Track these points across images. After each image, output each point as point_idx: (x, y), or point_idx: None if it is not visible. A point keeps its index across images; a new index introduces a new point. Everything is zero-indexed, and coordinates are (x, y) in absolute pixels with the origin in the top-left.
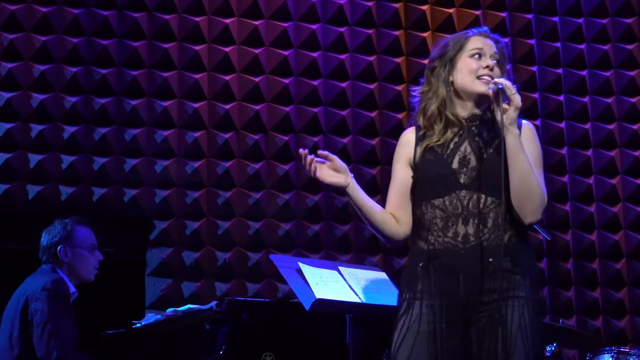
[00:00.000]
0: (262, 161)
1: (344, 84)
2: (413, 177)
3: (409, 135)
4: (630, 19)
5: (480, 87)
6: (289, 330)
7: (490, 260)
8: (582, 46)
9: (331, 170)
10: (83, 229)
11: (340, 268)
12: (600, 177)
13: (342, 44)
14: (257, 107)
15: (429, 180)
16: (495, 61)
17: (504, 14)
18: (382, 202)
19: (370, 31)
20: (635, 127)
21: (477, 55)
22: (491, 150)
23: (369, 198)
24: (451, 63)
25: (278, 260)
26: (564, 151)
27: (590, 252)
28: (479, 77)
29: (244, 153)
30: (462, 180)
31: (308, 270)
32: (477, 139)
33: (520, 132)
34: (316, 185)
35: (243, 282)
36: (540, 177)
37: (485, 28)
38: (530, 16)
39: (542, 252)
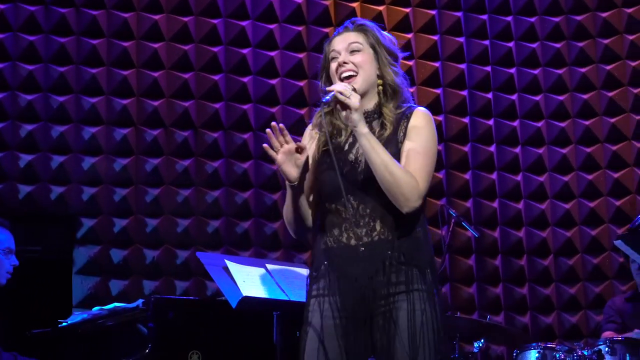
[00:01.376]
0: (191, 158)
1: (273, 81)
2: (311, 177)
3: (312, 132)
4: (558, 18)
5: None
6: (216, 328)
7: (386, 255)
8: (511, 44)
9: (291, 160)
10: (0, 231)
11: (268, 265)
12: (528, 174)
13: (272, 41)
14: (186, 104)
15: (323, 185)
16: (351, 52)
17: (433, 12)
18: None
19: (300, 28)
20: (563, 124)
21: (335, 58)
22: None
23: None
24: (326, 73)
25: (205, 257)
26: (492, 148)
27: (518, 249)
28: (341, 78)
29: (173, 150)
30: (352, 184)
31: (235, 268)
32: None
33: (408, 120)
34: (246, 182)
35: (171, 280)
36: (421, 164)
37: (345, 23)
38: (459, 14)
39: (470, 249)
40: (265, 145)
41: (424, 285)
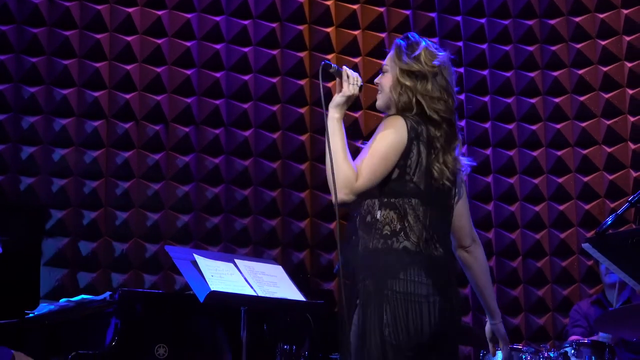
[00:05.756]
0: (162, 152)
1: (246, 77)
2: None
3: None
4: (531, 21)
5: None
6: (183, 322)
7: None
8: (484, 46)
9: None
10: None
11: (237, 261)
12: (499, 175)
13: (246, 37)
14: (158, 98)
15: None
16: (382, 73)
17: (407, 12)
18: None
19: (274, 25)
20: (534, 127)
21: None
22: None
23: None
24: None
25: (173, 251)
26: (463, 150)
27: (487, 250)
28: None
29: (144, 143)
30: None
31: (203, 262)
32: None
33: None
34: (216, 177)
35: (140, 274)
36: (365, 164)
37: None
38: (433, 15)
39: None
40: None
41: (361, 298)
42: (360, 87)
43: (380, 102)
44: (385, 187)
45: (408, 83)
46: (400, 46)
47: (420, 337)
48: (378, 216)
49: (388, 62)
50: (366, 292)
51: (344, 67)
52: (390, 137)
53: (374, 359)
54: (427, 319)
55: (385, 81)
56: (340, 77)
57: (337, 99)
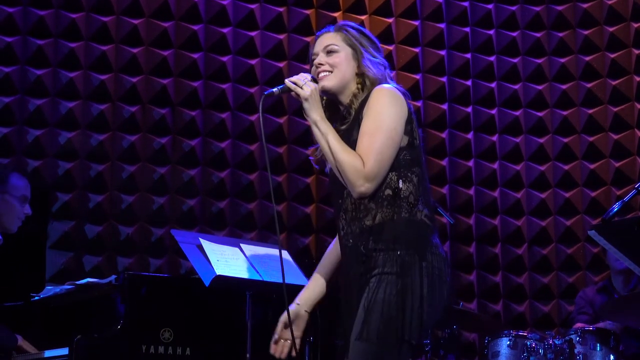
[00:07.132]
0: (168, 136)
1: (253, 61)
2: None
3: None
4: (539, 7)
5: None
6: (189, 306)
7: (361, 244)
8: (491, 32)
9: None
10: (19, 178)
11: (242, 245)
12: (505, 162)
13: (253, 20)
14: (165, 81)
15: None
16: (328, 52)
17: None
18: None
19: (281, 9)
20: (540, 114)
21: (314, 60)
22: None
23: None
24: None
25: (179, 235)
26: (469, 136)
27: (493, 236)
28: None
29: (150, 127)
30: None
31: (209, 247)
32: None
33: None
34: (222, 161)
35: (145, 257)
36: (367, 145)
37: (324, 29)
38: (440, 0)
39: (444, 235)
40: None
41: (392, 268)
42: (314, 79)
43: (334, 82)
44: (400, 156)
45: (376, 61)
46: (357, 26)
47: (438, 316)
48: (400, 185)
49: (337, 41)
50: (402, 262)
51: (285, 80)
52: (388, 109)
53: (413, 329)
54: (445, 302)
55: (339, 61)
56: (289, 90)
57: (305, 105)
